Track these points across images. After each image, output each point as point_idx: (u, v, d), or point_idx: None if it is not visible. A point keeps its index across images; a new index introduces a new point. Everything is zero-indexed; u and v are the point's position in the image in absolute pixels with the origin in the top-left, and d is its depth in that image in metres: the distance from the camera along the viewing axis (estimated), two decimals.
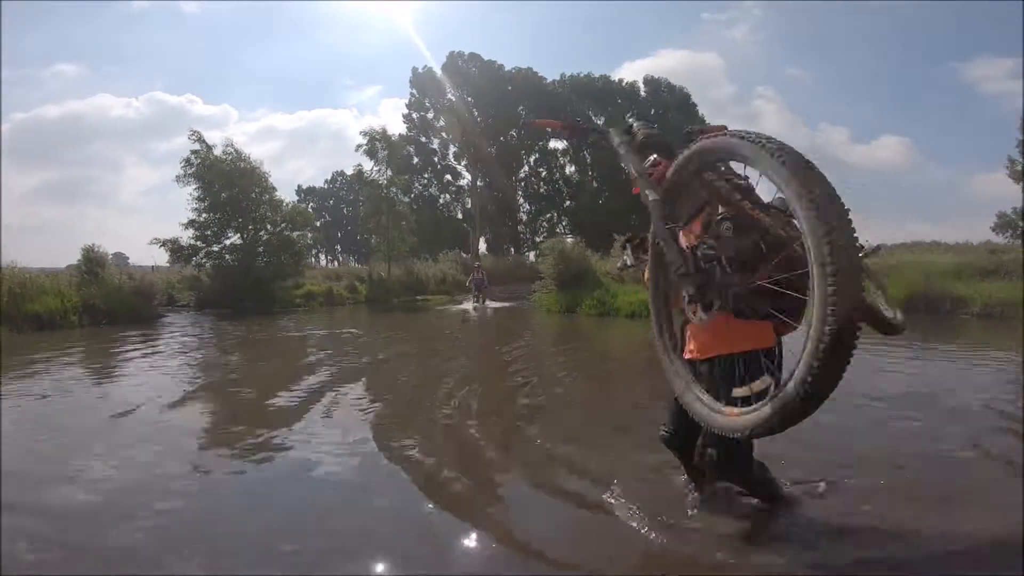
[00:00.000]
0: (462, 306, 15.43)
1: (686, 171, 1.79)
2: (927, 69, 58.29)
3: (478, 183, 36.97)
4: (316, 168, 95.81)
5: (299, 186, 54.31)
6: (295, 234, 18.58)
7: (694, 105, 36.66)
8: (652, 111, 36.05)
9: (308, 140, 74.77)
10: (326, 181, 58.84)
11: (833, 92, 63.95)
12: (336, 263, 49.56)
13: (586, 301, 11.25)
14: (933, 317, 9.94)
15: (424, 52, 60.44)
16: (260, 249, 17.99)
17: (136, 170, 69.83)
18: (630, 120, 2.28)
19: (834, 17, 64.10)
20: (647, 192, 1.84)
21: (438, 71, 36.04)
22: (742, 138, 1.52)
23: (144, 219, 64.93)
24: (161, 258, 17.81)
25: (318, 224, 19.52)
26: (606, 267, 13.52)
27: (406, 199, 22.53)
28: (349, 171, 55.86)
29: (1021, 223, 31.57)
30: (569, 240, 13.27)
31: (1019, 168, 30.61)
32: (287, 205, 19.36)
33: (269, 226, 18.09)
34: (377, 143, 20.96)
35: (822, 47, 67.45)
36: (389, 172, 21.41)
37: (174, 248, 16.81)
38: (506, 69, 36.32)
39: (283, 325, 11.22)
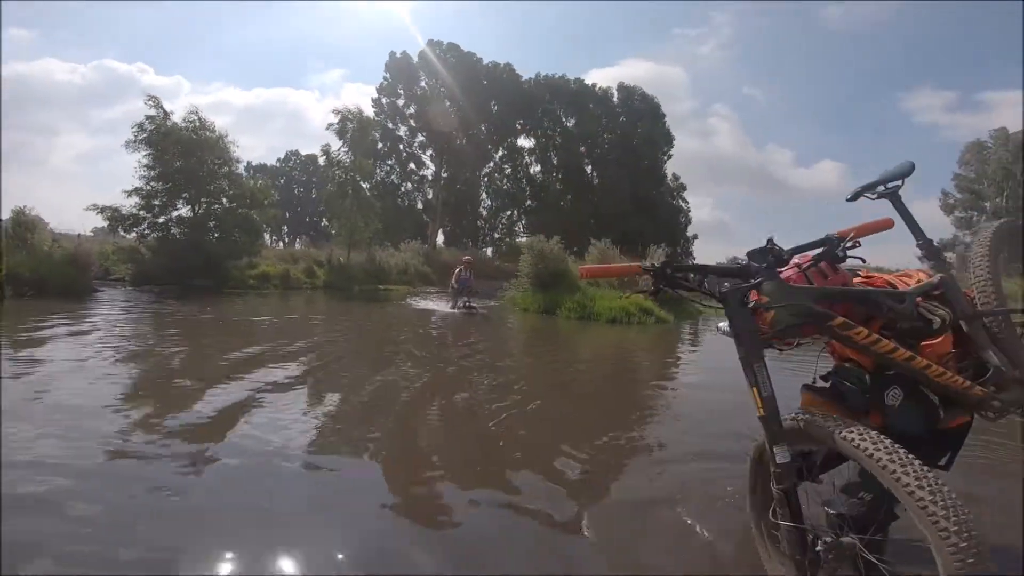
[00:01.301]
0: (432, 306, 12.83)
1: None
2: (869, 97, 63.07)
3: (443, 174, 36.35)
4: (267, 147, 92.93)
5: (248, 163, 51.40)
6: (254, 212, 17.49)
7: (663, 115, 37.53)
8: (622, 119, 36.63)
9: (262, 118, 72.50)
10: (278, 160, 56.42)
11: (783, 114, 67.97)
12: (282, 244, 47.45)
13: (566, 304, 11.12)
14: None
15: (416, 36, 59.12)
16: (212, 224, 16.80)
17: (72, 137, 64.76)
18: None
19: (793, 41, 68.09)
20: None
21: (415, 58, 35.44)
22: None
23: (75, 187, 60.18)
24: (90, 227, 16.40)
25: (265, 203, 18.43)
26: None
27: (365, 184, 21.64)
28: (304, 152, 54.32)
29: (948, 254, 34.56)
30: (553, 240, 12.88)
31: (951, 201, 33.63)
32: (256, 182, 18.30)
33: (225, 200, 16.94)
34: (349, 124, 20.04)
35: (779, 69, 71.52)
36: (351, 156, 20.54)
37: (113, 216, 15.35)
38: (484, 63, 35.94)
39: (234, 308, 10.38)
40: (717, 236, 67.83)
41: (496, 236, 38.79)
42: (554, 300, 11.55)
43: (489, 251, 37.25)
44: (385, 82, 36.18)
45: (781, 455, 1.40)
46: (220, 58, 79.60)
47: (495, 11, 71.30)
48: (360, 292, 17.35)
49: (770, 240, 1.60)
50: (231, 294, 13.47)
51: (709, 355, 7.69)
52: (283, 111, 75.03)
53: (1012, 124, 35.53)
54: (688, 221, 38.25)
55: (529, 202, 38.11)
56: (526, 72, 37.30)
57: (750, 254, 1.57)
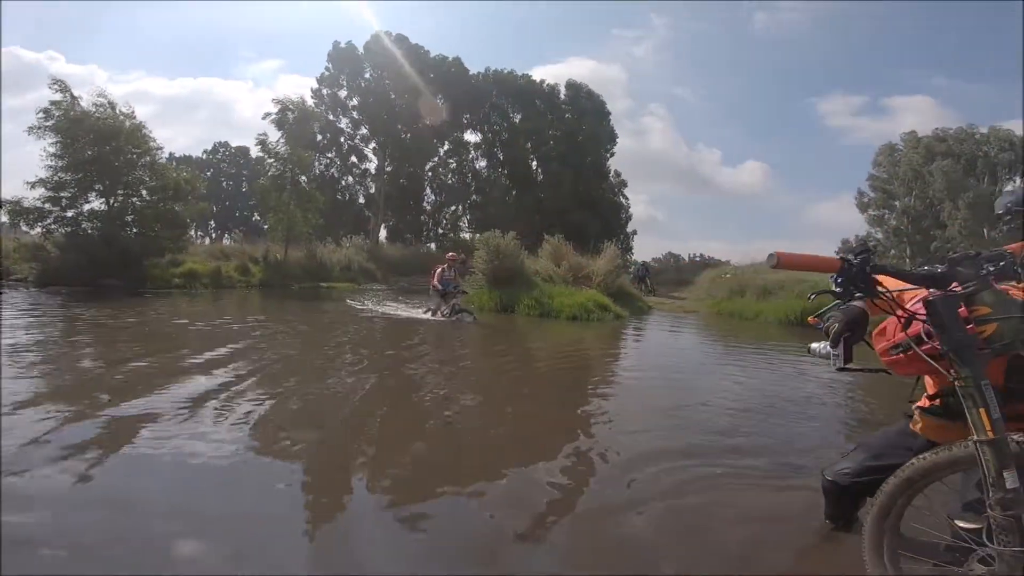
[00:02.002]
0: (404, 313, 10.48)
1: None
2: (788, 101, 67.23)
3: (386, 168, 35.24)
4: (191, 138, 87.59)
5: (171, 154, 47.78)
6: (178, 205, 16.06)
7: (608, 114, 38.08)
8: (568, 115, 36.91)
9: (186, 108, 67.86)
10: (205, 151, 52.78)
11: (712, 115, 71.31)
12: (209, 241, 44.39)
13: (524, 301, 10.87)
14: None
15: (372, 20, 56.62)
16: (130, 218, 15.28)
17: None
18: None
19: (723, 45, 71.40)
20: None
21: (360, 48, 34.16)
22: None
23: None
24: None
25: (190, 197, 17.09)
26: (536, 266, 13.27)
27: (303, 177, 20.45)
28: (235, 143, 51.14)
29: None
30: (508, 235, 12.55)
31: (865, 200, 36.40)
32: (179, 172, 16.77)
33: (145, 192, 15.43)
34: (290, 113, 18.79)
35: (709, 72, 74.76)
36: (289, 148, 19.31)
37: (14, 210, 13.65)
38: (431, 56, 35.17)
39: (154, 310, 9.34)
40: (651, 232, 70.49)
41: (440, 231, 38.16)
42: (512, 297, 11.27)
43: (433, 246, 36.66)
44: (327, 72, 34.64)
45: (1011, 479, 1.32)
46: (140, 47, 73.37)
47: (444, 6, 69.80)
48: (299, 290, 16.35)
49: (863, 245, 1.46)
50: (153, 295, 12.21)
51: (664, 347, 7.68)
52: (210, 101, 70.26)
53: (915, 127, 39.15)
54: (629, 217, 39.17)
55: (474, 197, 37.70)
56: (474, 67, 36.92)
57: (952, 260, 1.42)
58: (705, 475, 2.89)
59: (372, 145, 35.70)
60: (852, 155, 61.28)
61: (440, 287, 10.10)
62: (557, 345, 7.98)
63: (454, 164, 38.11)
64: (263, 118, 19.27)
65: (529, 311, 10.65)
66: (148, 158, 15.57)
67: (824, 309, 1.63)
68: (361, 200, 36.61)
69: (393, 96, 34.16)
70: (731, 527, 2.35)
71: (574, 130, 36.14)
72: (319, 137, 32.52)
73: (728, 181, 68.08)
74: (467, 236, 34.94)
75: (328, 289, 17.31)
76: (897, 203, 34.93)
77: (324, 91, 34.47)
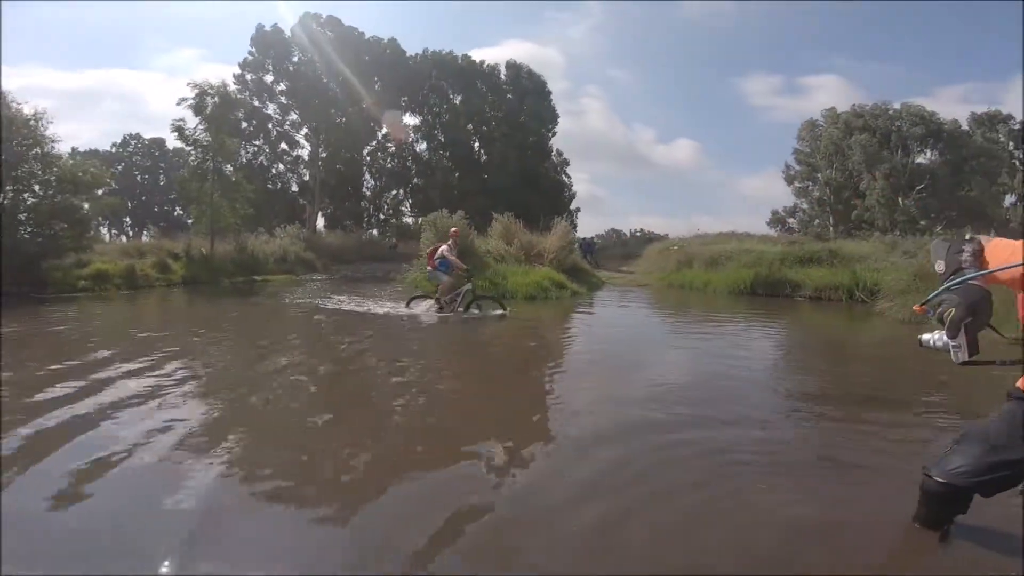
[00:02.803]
0: (398, 310, 8.64)
1: None
2: (716, 80, 69.65)
3: (321, 153, 33.55)
4: (98, 132, 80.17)
5: (73, 148, 43.26)
6: (83, 200, 14.33)
7: (549, 93, 37.84)
8: (509, 96, 36.39)
9: (89, 101, 62.07)
10: (114, 145, 48.18)
11: (646, 95, 72.94)
12: (125, 238, 40.77)
13: (478, 283, 10.26)
14: (777, 300, 11.29)
15: (299, 4, 53.02)
16: (23, 217, 13.47)
17: None
18: None
19: (656, 26, 72.75)
20: None
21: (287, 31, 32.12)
22: None
23: None
24: None
25: (100, 192, 15.33)
26: (487, 245, 12.78)
27: (228, 166, 18.85)
28: (148, 136, 47.17)
29: (790, 219, 39.48)
30: (457, 214, 11.93)
31: (791, 173, 38.25)
32: (74, 163, 14.89)
33: (38, 187, 13.63)
34: (209, 98, 17.06)
35: (643, 53, 76.10)
36: (210, 135, 17.63)
37: None
38: (366, 38, 33.55)
39: (52, 318, 8.15)
40: (593, 210, 71.86)
41: (382, 217, 36.95)
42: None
43: (375, 232, 35.48)
44: (250, 57, 32.48)
45: None
46: (35, 38, 65.54)
47: None
48: (231, 285, 15.07)
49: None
50: (55, 300, 10.76)
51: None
52: (116, 93, 64.37)
53: (826, 104, 40.97)
54: (573, 195, 39.29)
55: (416, 180, 36.63)
56: (412, 48, 35.74)
57: None
58: None
59: (304, 131, 33.94)
60: (774, 132, 64.61)
61: (437, 268, 8.24)
62: (522, 327, 7.57)
63: (393, 148, 36.81)
64: (178, 103, 17.40)
65: (483, 293, 10.10)
66: (39, 150, 13.72)
67: (934, 294, 1.31)
68: (295, 188, 34.80)
69: (325, 80, 32.55)
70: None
71: (516, 110, 35.71)
72: (244, 124, 30.35)
73: (663, 158, 70.14)
74: (410, 220, 33.93)
75: (263, 283, 16.07)
76: (820, 175, 36.77)
77: (248, 76, 32.40)
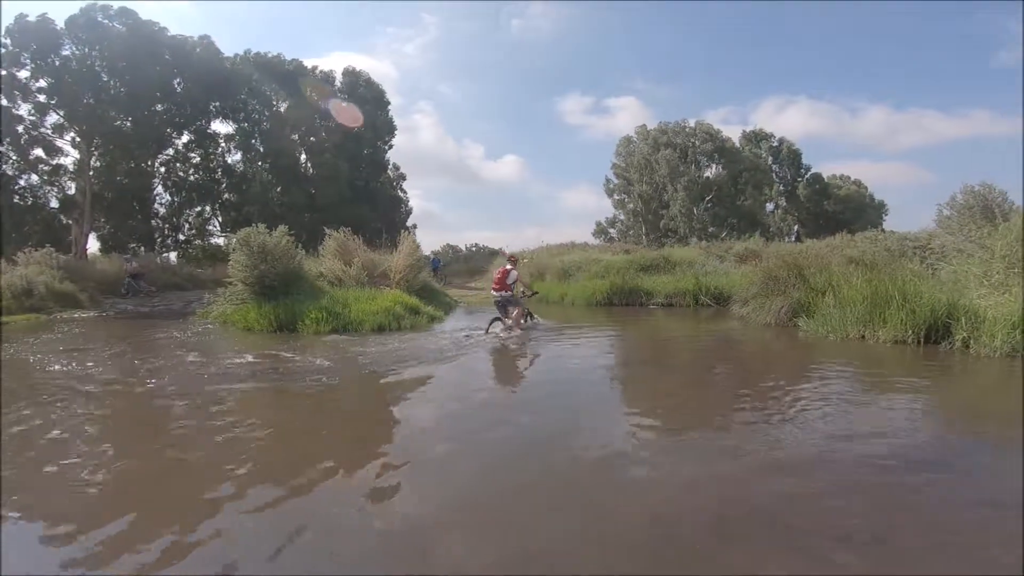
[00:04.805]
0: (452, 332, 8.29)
1: None
2: (537, 99, 74.33)
3: (94, 163, 27.01)
4: None
5: None
6: None
7: (388, 104, 35.82)
8: (345, 104, 33.62)
9: None
10: None
11: (475, 111, 74.90)
12: None
13: (310, 314, 8.32)
14: (635, 308, 11.40)
15: None
16: None
17: None
18: None
19: (486, 45, 75.01)
20: None
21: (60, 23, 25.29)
22: None
23: None
24: None
25: None
26: (319, 267, 10.77)
27: None
28: None
29: (611, 229, 43.15)
30: (278, 231, 9.68)
31: (611, 186, 41.84)
32: None
33: None
34: None
35: (473, 70, 77.86)
36: None
37: None
38: (169, 35, 27.93)
39: None
40: (428, 226, 71.34)
41: (182, 237, 31.18)
42: (290, 311, 8.60)
43: (173, 256, 29.72)
44: (4, 51, 24.95)
45: None
46: None
47: None
48: None
49: None
50: None
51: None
52: None
53: (629, 122, 45.71)
54: (409, 211, 37.82)
55: (228, 195, 31.61)
56: (234, 50, 31.35)
57: None
58: None
59: (71, 136, 27.02)
60: (588, 149, 70.05)
61: (506, 295, 8.11)
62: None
63: (197, 159, 31.27)
64: None
65: (319, 326, 8.18)
66: None
67: None
68: (54, 204, 27.36)
69: (106, 78, 26.46)
70: None
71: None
72: None
73: (492, 174, 72.23)
74: (221, 241, 29.00)
75: None
76: (634, 188, 40.82)
77: None
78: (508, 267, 8.26)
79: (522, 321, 8.28)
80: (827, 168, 43.38)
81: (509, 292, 8.13)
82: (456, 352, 6.78)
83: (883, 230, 19.26)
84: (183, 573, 2.08)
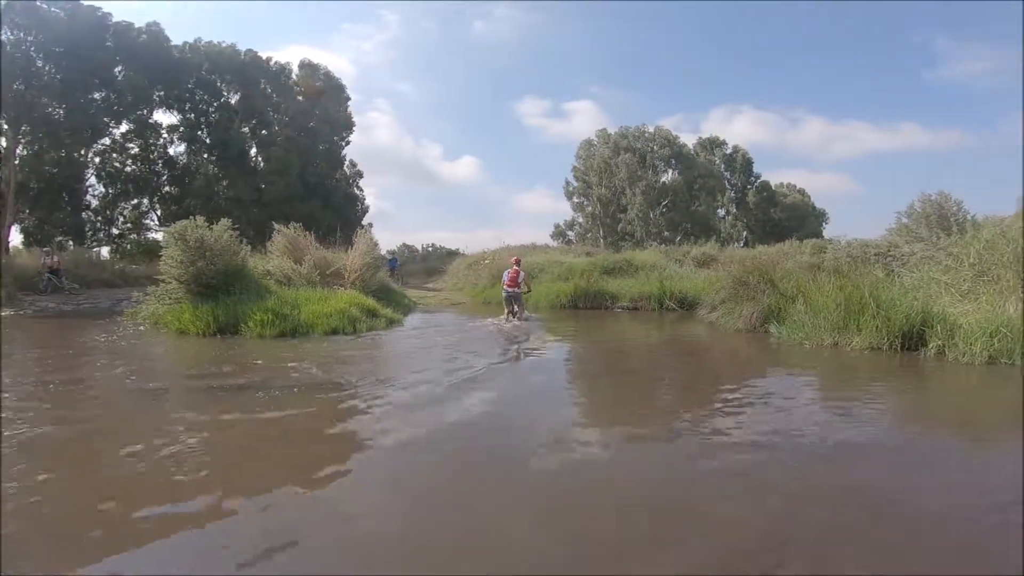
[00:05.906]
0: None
1: None
2: (495, 101, 74.15)
3: (20, 151, 24.93)
4: None
5: None
6: None
7: (348, 99, 34.63)
8: (300, 97, 32.35)
9: None
10: None
11: (433, 111, 73.97)
12: None
13: (255, 316, 7.59)
14: (599, 312, 11.18)
15: None
16: None
17: None
18: None
19: (447, 44, 74.19)
20: None
21: None
22: None
23: None
24: None
25: None
26: (266, 265, 10.01)
27: None
28: None
29: (569, 232, 43.29)
30: (220, 224, 8.87)
31: (571, 188, 41.98)
32: None
33: None
34: None
35: (432, 70, 76.81)
36: None
37: None
38: (114, 20, 25.95)
39: None
40: (382, 225, 70.04)
41: (116, 231, 29.19)
42: (233, 312, 7.85)
43: (105, 251, 27.76)
44: None
45: None
46: None
47: None
48: None
49: None
50: None
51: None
52: None
53: (584, 127, 45.93)
54: (365, 209, 36.65)
55: (168, 188, 29.76)
56: (183, 38, 29.49)
57: None
58: None
59: None
60: (544, 152, 69.97)
61: (516, 291, 9.94)
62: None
63: (136, 149, 29.26)
64: None
65: (265, 329, 7.46)
66: None
67: None
68: None
69: (41, 63, 24.51)
70: None
71: (306, 113, 31.75)
72: None
73: (449, 174, 71.41)
74: (159, 236, 27.25)
75: None
76: (593, 190, 41.08)
77: None
78: (517, 268, 10.10)
79: (524, 313, 10.03)
80: (770, 177, 44.99)
81: (518, 289, 9.92)
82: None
83: (828, 239, 19.99)
84: None
